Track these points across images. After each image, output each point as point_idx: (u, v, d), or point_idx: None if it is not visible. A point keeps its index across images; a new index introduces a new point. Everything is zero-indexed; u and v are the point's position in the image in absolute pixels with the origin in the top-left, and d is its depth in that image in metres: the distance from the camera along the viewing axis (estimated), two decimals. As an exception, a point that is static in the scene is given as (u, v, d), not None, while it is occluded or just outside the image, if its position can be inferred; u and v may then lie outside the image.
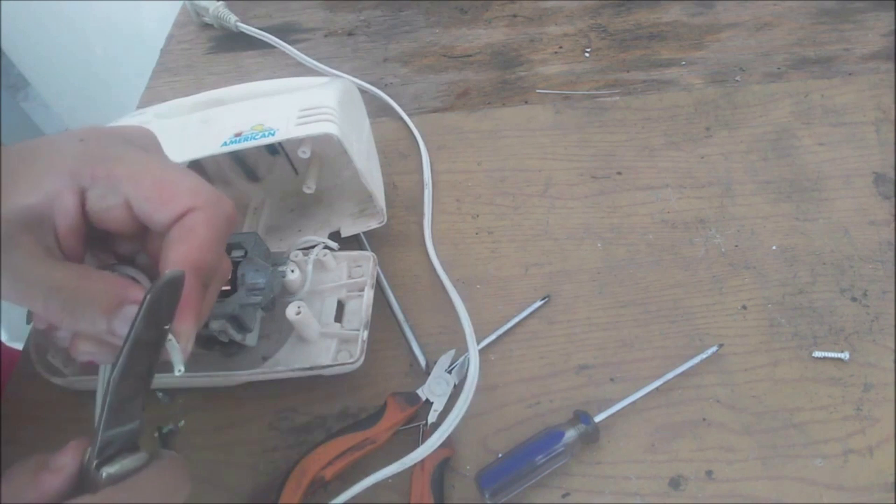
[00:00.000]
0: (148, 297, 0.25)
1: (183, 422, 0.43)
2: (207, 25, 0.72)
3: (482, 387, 0.43)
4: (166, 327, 0.27)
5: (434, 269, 0.48)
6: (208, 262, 0.28)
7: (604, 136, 0.57)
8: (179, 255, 0.27)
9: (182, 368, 0.28)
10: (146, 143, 0.32)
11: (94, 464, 0.26)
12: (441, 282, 0.47)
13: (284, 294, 0.44)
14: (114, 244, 0.32)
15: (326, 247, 0.46)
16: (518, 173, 0.55)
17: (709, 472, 0.39)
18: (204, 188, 0.29)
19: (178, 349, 0.28)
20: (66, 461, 0.26)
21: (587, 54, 0.64)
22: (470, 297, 0.48)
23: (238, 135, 0.42)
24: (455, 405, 0.40)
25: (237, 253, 0.41)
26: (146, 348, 0.26)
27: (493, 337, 0.45)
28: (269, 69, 0.67)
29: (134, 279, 0.31)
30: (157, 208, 0.28)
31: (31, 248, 0.28)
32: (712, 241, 0.49)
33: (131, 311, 0.27)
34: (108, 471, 0.26)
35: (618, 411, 0.40)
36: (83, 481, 0.26)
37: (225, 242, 0.30)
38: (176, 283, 0.26)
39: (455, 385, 0.42)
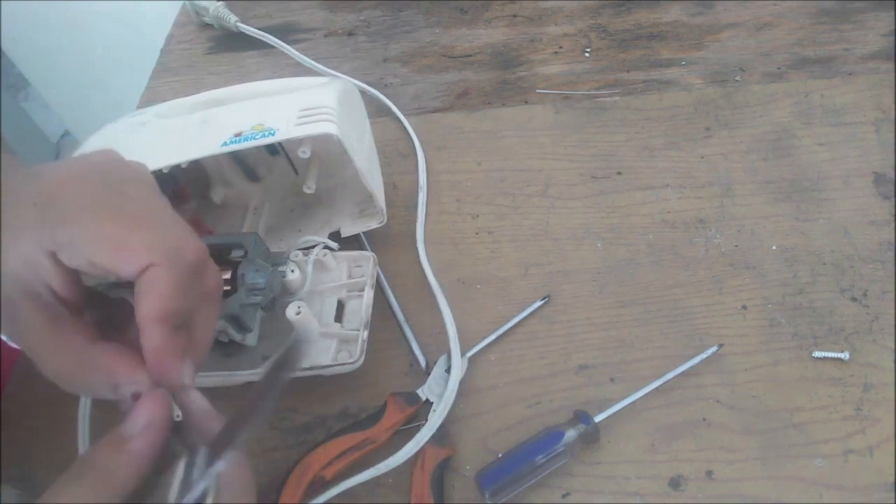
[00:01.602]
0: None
1: (183, 422, 0.43)
2: (207, 25, 0.72)
3: (482, 387, 0.43)
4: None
5: (430, 272, 0.49)
6: (173, 310, 0.29)
7: (604, 136, 0.57)
8: (145, 310, 0.29)
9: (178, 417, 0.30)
10: (119, 178, 0.32)
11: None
12: (440, 283, 0.48)
13: (284, 294, 0.44)
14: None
15: (326, 247, 0.46)
16: (518, 173, 0.55)
17: (709, 472, 0.39)
18: (161, 243, 0.29)
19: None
20: (151, 414, 0.28)
21: (587, 54, 0.64)
22: (470, 297, 0.48)
23: (238, 135, 0.42)
24: (438, 409, 0.40)
25: (237, 253, 0.41)
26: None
27: (492, 337, 0.45)
28: (269, 69, 0.67)
29: (126, 300, 0.32)
30: (118, 267, 0.29)
31: (33, 315, 0.29)
32: (712, 241, 0.49)
33: (126, 388, 0.29)
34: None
35: (618, 411, 0.40)
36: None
37: (194, 285, 0.31)
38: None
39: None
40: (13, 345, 0.59)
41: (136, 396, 0.29)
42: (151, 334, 0.29)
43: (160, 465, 0.28)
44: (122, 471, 0.27)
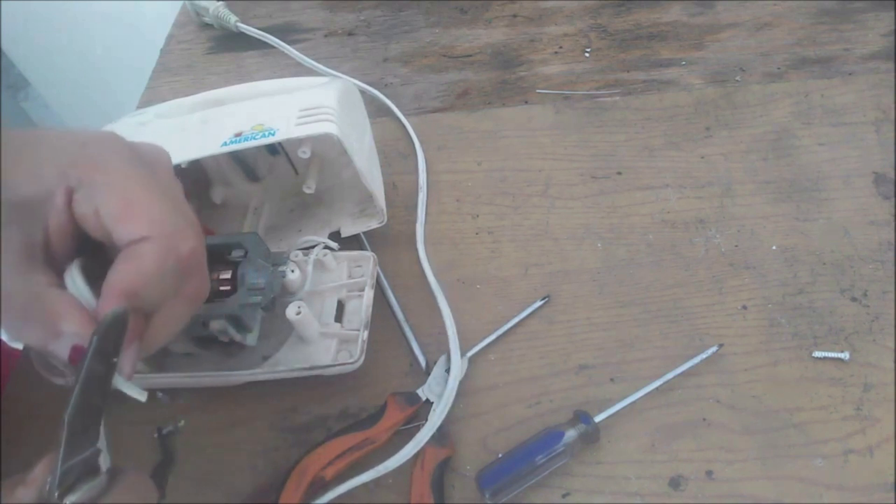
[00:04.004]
0: (95, 338, 0.26)
1: (183, 422, 0.43)
2: (207, 25, 0.72)
3: (482, 387, 0.43)
4: (114, 360, 0.28)
5: (430, 272, 0.49)
6: (144, 293, 0.28)
7: (604, 136, 0.57)
8: (116, 278, 0.28)
9: (144, 397, 0.29)
10: (152, 160, 0.32)
11: (56, 494, 0.26)
12: (440, 283, 0.48)
13: (284, 294, 0.44)
14: (105, 248, 0.32)
15: (326, 247, 0.46)
16: (518, 173, 0.55)
17: (709, 472, 0.39)
18: (165, 220, 0.29)
19: (129, 385, 0.29)
20: (38, 475, 0.27)
21: (587, 54, 0.64)
22: (470, 297, 0.48)
23: (238, 135, 0.42)
24: (438, 409, 0.40)
25: (237, 253, 0.41)
26: (98, 381, 0.27)
27: (492, 337, 0.45)
28: (269, 69, 0.67)
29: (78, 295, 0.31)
30: (116, 226, 0.29)
31: (10, 245, 0.28)
32: (712, 241, 0.49)
33: (67, 339, 0.28)
34: (70, 500, 0.26)
35: (618, 411, 0.40)
36: None
37: (175, 279, 0.30)
38: (120, 320, 0.27)
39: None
40: (13, 344, 0.59)
41: (74, 353, 0.28)
42: (109, 304, 0.28)
43: None
44: None
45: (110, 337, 0.27)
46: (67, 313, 0.28)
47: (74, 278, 0.30)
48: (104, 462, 0.28)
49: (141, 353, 0.30)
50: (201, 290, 0.32)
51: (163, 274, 0.29)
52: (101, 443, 0.27)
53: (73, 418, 0.26)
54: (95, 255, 0.31)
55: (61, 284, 0.29)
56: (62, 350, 0.28)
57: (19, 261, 0.28)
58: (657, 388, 0.41)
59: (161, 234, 0.29)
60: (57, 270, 0.30)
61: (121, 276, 0.28)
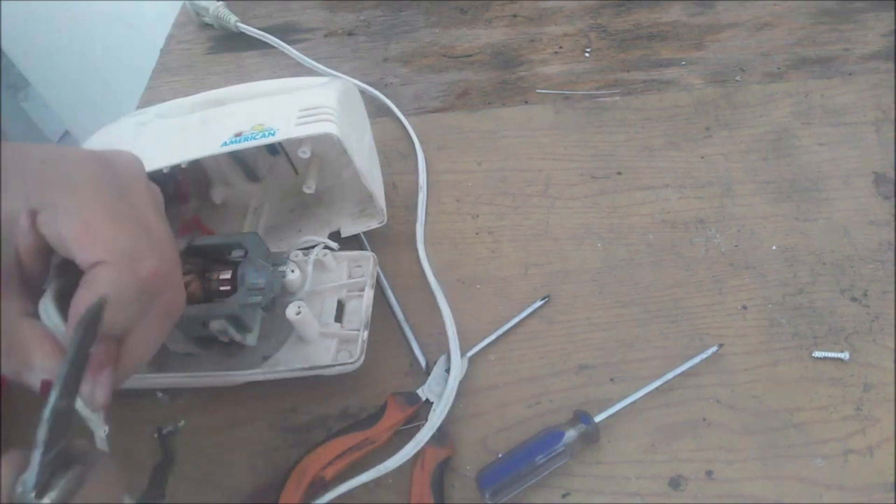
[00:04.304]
0: (84, 321, 0.26)
1: (183, 422, 0.43)
2: (207, 25, 0.72)
3: (482, 387, 0.43)
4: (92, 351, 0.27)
5: (430, 272, 0.49)
6: (105, 318, 0.28)
7: (604, 136, 0.57)
8: (77, 304, 0.27)
9: (105, 433, 0.28)
10: (120, 172, 0.31)
11: (33, 493, 0.25)
12: (440, 283, 0.48)
13: (284, 294, 0.44)
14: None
15: (326, 247, 0.46)
16: (518, 173, 0.55)
17: (709, 472, 0.39)
18: (122, 244, 0.28)
19: (94, 419, 0.28)
20: (2, 474, 0.26)
21: (587, 54, 0.64)
22: (470, 297, 0.48)
23: (238, 135, 0.42)
24: (438, 409, 0.40)
25: (237, 253, 0.41)
26: (80, 366, 0.27)
27: (492, 337, 0.45)
28: (269, 69, 0.67)
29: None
30: (75, 250, 0.28)
31: None
32: (712, 241, 0.49)
33: (38, 372, 0.28)
34: (49, 498, 0.25)
35: (618, 411, 0.40)
36: None
37: (139, 300, 0.29)
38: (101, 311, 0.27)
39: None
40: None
41: (44, 387, 0.27)
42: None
43: None
44: None
45: (93, 332, 0.27)
46: (38, 346, 0.28)
47: (48, 308, 0.29)
48: (98, 432, 0.27)
49: (116, 379, 0.29)
50: (174, 306, 0.31)
51: (122, 297, 0.28)
52: (96, 420, 0.27)
53: (56, 410, 0.26)
54: (75, 272, 0.30)
55: (35, 312, 0.29)
56: (34, 381, 0.28)
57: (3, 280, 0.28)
58: (657, 388, 0.41)
59: (117, 257, 0.28)
60: (32, 292, 0.29)
61: (79, 304, 0.27)
